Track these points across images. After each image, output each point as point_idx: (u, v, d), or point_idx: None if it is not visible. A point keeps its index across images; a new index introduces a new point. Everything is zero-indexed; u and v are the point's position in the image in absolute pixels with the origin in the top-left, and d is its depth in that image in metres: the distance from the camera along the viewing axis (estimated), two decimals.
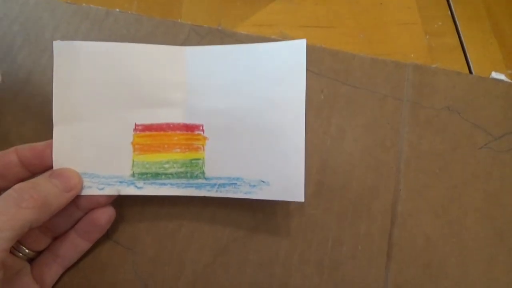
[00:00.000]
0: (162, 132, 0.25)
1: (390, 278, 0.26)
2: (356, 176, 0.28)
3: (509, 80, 0.31)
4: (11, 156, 0.23)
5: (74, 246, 0.24)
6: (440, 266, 0.26)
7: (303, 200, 0.23)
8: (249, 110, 0.25)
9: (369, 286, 0.26)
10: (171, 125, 0.25)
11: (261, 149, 0.24)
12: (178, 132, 0.25)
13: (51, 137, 0.27)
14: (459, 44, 0.35)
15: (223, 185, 0.24)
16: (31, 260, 0.24)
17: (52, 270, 0.24)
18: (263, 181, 0.24)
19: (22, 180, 0.23)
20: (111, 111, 0.25)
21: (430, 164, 0.28)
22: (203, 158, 0.25)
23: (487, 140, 0.29)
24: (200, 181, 0.25)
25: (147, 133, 0.25)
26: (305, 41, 0.25)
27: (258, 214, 0.27)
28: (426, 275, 0.26)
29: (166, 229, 0.26)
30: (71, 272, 0.25)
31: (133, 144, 0.25)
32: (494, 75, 0.31)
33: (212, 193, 0.24)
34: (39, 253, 0.24)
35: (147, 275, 0.25)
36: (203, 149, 0.25)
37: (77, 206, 0.24)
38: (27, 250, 0.23)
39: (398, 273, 0.26)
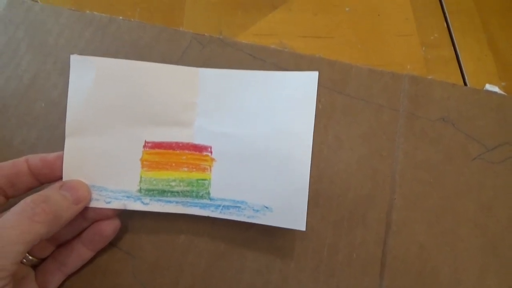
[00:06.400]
0: (171, 151, 0.25)
1: (384, 286, 0.26)
2: (352, 185, 0.28)
3: (503, 93, 0.31)
4: (22, 165, 0.23)
5: (78, 255, 0.24)
6: (433, 275, 0.27)
7: (305, 229, 0.24)
8: (258, 137, 0.25)
9: None
10: (180, 144, 0.25)
11: (267, 176, 0.25)
12: (186, 151, 0.25)
13: (54, 142, 0.28)
14: (455, 56, 0.35)
15: (227, 207, 0.25)
16: (34, 267, 0.24)
17: (55, 277, 0.24)
18: (267, 207, 0.24)
19: (31, 188, 0.24)
20: (122, 126, 0.25)
21: (425, 174, 0.29)
22: (210, 179, 0.25)
23: (480, 152, 0.29)
24: (205, 201, 0.25)
25: (156, 150, 0.25)
26: (317, 73, 0.25)
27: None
28: (420, 284, 0.26)
29: (166, 235, 0.27)
30: (72, 277, 0.25)
31: (141, 160, 0.25)
32: (488, 87, 0.32)
33: (216, 214, 0.25)
34: (42, 260, 0.25)
35: (147, 280, 0.26)
36: (210, 170, 0.25)
37: (84, 217, 0.24)
38: (31, 257, 0.24)
39: (392, 281, 0.26)
